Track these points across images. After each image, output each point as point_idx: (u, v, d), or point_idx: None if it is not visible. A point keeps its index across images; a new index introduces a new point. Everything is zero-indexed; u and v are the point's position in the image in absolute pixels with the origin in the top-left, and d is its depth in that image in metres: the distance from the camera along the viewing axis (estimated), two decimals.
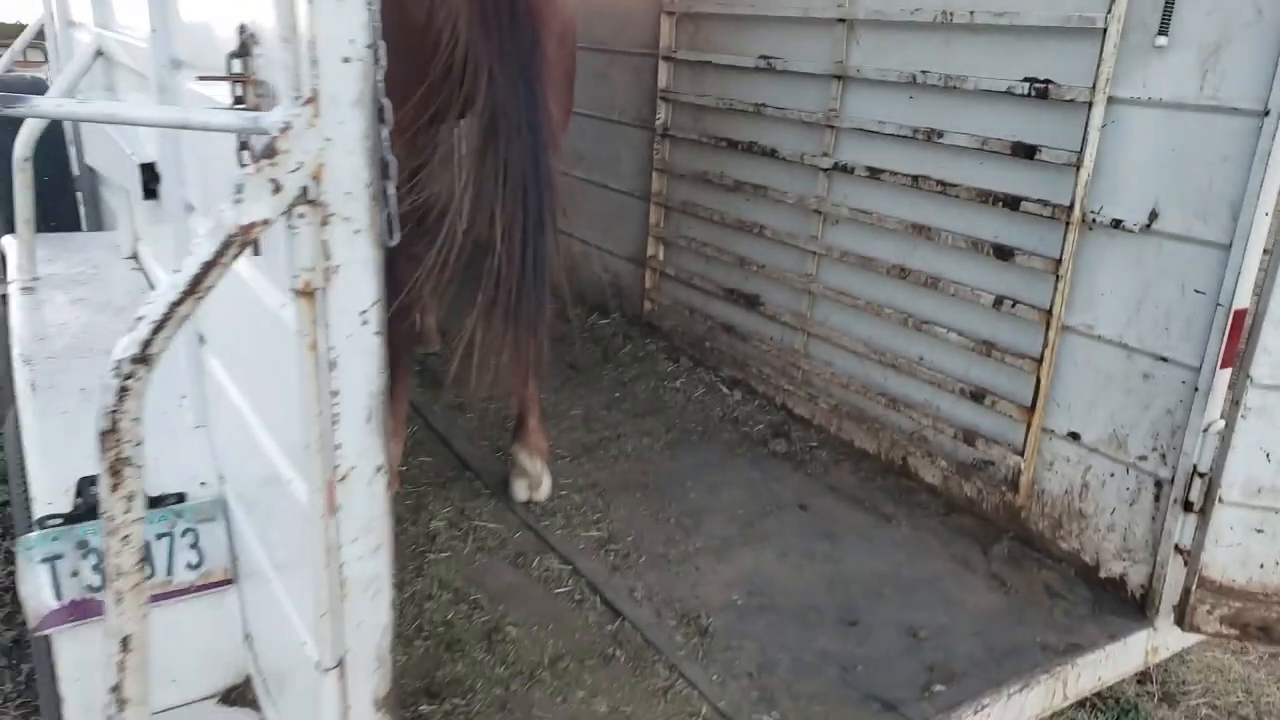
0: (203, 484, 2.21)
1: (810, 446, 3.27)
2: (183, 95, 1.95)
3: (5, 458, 3.11)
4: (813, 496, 2.98)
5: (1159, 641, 2.45)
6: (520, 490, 2.89)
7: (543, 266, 2.38)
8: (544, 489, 2.90)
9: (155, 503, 2.16)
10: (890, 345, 3.03)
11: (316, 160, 1.13)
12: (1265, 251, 2.14)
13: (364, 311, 1.20)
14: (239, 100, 1.41)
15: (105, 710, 1.24)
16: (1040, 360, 2.57)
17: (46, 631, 2.03)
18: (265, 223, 1.12)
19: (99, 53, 2.73)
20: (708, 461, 3.16)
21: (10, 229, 3.38)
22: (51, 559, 2.02)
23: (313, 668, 1.40)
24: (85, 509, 2.09)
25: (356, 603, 1.32)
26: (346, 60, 1.11)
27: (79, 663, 2.07)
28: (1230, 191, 2.13)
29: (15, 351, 2.37)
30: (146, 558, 2.08)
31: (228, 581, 2.17)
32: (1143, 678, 2.80)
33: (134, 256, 3.05)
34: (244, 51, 1.38)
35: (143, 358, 1.10)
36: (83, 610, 2.04)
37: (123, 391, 1.10)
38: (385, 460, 1.28)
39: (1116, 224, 2.36)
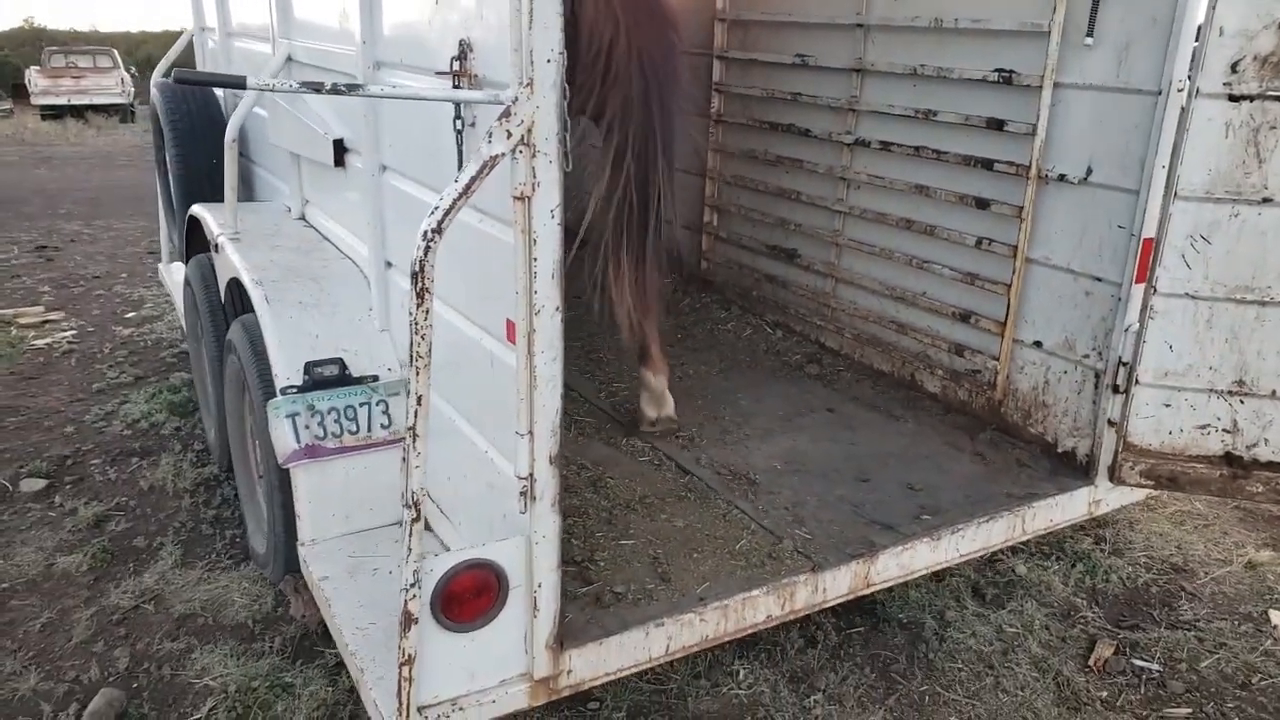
0: (389, 370, 3.06)
1: (837, 370, 4.05)
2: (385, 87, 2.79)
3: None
4: (838, 404, 3.77)
5: (1099, 496, 3.20)
6: (649, 408, 3.39)
7: (661, 215, 3.02)
8: (668, 406, 3.39)
9: (358, 381, 3.02)
10: (899, 283, 3.82)
11: (531, 119, 1.95)
12: (1164, 194, 2.89)
13: (552, 210, 2.02)
14: (456, 87, 2.25)
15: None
16: (1010, 286, 3.34)
17: (290, 465, 2.89)
18: (502, 155, 1.95)
19: (289, 58, 3.58)
20: (754, 381, 3.97)
21: (195, 199, 4.30)
22: (292, 415, 2.88)
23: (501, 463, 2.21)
24: (311, 383, 2.96)
25: (542, 390, 2.13)
26: (549, 61, 1.94)
27: (311, 487, 2.92)
28: (1139, 151, 2.89)
29: (247, 277, 3.23)
30: (354, 418, 2.98)
31: None
32: (1099, 537, 3.55)
33: (303, 218, 3.91)
34: (462, 56, 2.23)
35: (438, 229, 1.93)
36: (314, 451, 2.88)
37: (427, 249, 1.93)
38: (561, 301, 2.10)
39: (1063, 178, 3.13)
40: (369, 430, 2.96)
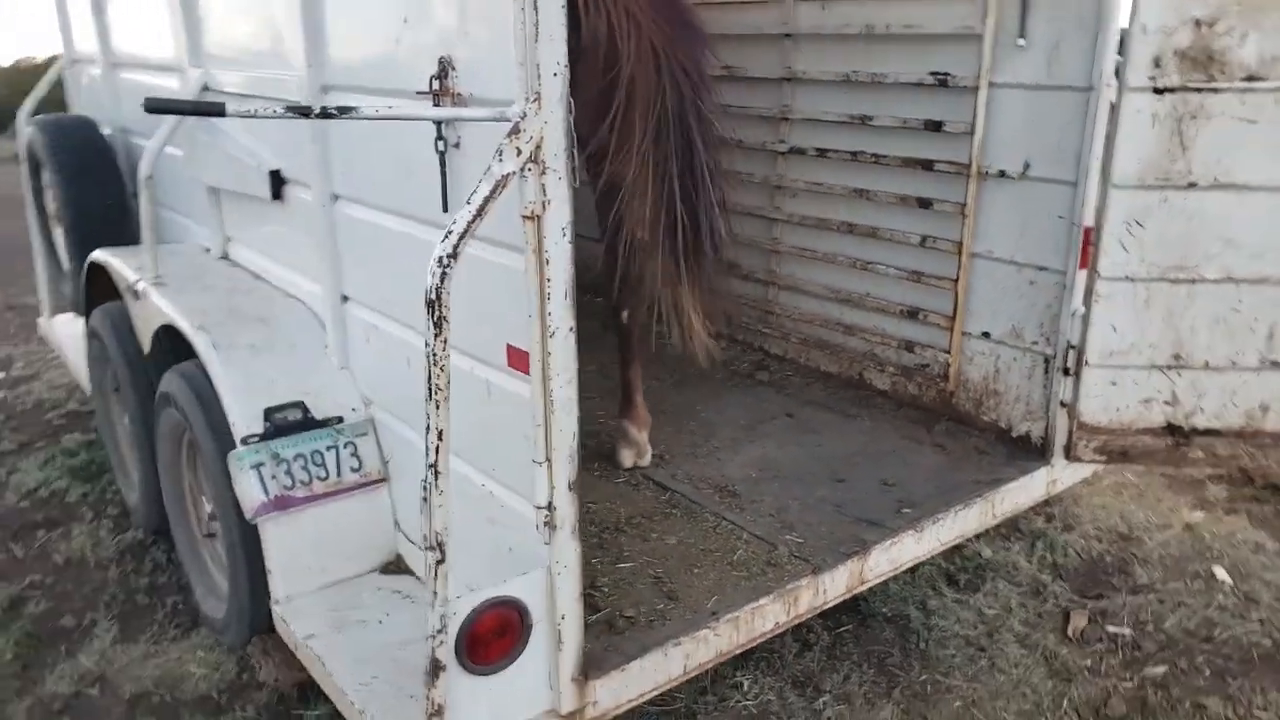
0: (354, 409, 2.92)
1: (786, 375, 4.10)
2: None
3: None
4: (795, 408, 3.81)
5: (1056, 475, 3.33)
6: (627, 458, 3.27)
7: (718, 233, 3.00)
8: (647, 456, 3.31)
9: (322, 423, 2.87)
10: (843, 285, 3.90)
11: (539, 134, 1.90)
12: (1101, 184, 3.06)
13: (563, 228, 1.97)
14: (437, 105, 2.17)
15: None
16: (956, 280, 3.45)
17: (259, 519, 2.72)
18: (513, 173, 1.89)
19: (205, 87, 3.39)
20: (709, 392, 3.97)
21: (90, 244, 4.01)
22: (257, 466, 2.71)
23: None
24: (273, 430, 2.79)
25: (559, 416, 2.07)
26: (555, 75, 1.89)
27: (282, 541, 2.75)
28: (1073, 145, 3.04)
29: (185, 323, 3.01)
30: (322, 464, 2.85)
31: (381, 480, 2.88)
32: (1050, 515, 3.70)
33: (225, 257, 3.71)
34: (443, 74, 2.15)
35: (454, 254, 1.85)
36: (283, 502, 2.72)
37: (443, 276, 1.84)
38: (573, 324, 2.04)
39: (1002, 174, 3.26)
40: (339, 475, 2.82)
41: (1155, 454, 3.39)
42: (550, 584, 2.17)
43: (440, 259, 1.85)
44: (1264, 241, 3.26)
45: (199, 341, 2.94)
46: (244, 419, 2.77)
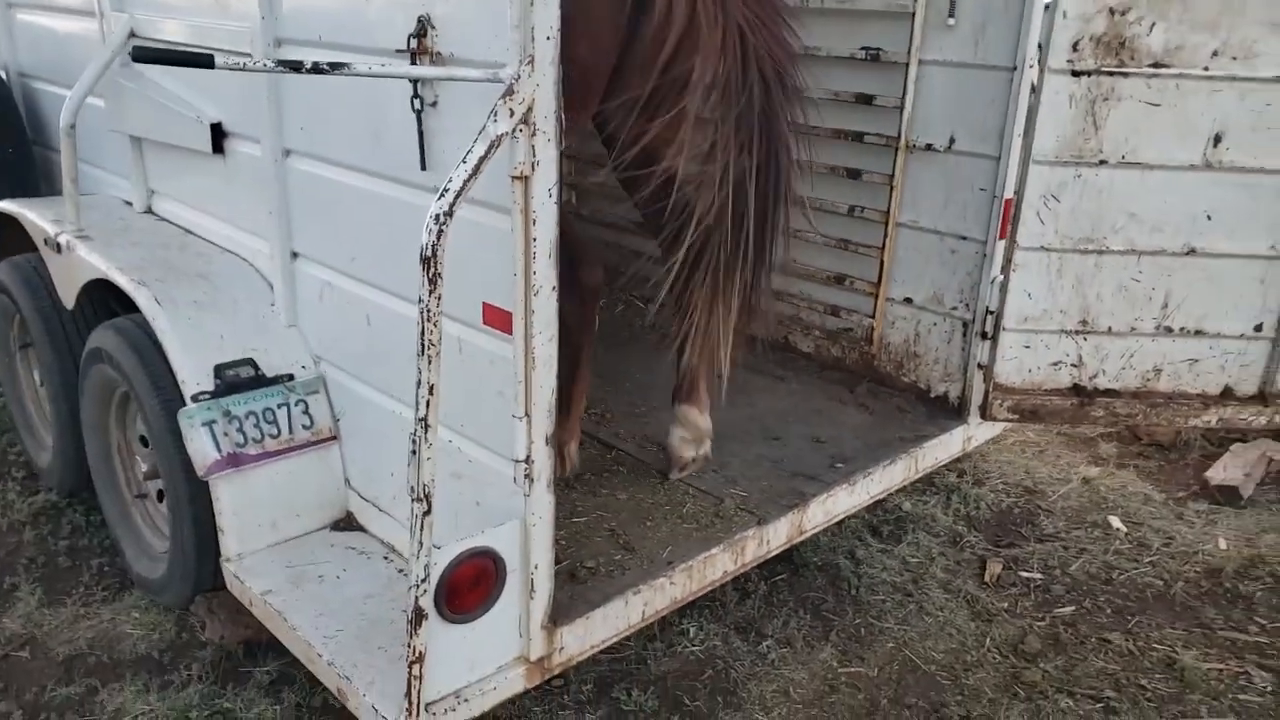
0: (304, 367, 2.90)
1: None
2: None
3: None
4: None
5: (972, 433, 3.57)
6: (686, 449, 3.02)
7: (775, 245, 2.78)
8: (707, 444, 3.07)
9: (274, 381, 2.84)
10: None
11: (532, 96, 1.94)
12: (1021, 160, 3.27)
13: (550, 189, 2.02)
14: (414, 64, 2.18)
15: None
16: (882, 248, 3.63)
17: (211, 476, 2.68)
18: (507, 133, 1.92)
19: (132, 33, 3.25)
20: (641, 356, 4.06)
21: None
22: (209, 423, 2.68)
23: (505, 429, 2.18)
24: (224, 387, 2.76)
25: (540, 372, 2.13)
26: (548, 38, 1.93)
27: (235, 498, 2.72)
28: (996, 121, 3.24)
29: (123, 278, 2.92)
30: (274, 421, 2.84)
31: (333, 438, 2.88)
32: (961, 471, 3.96)
33: (149, 211, 3.58)
34: (422, 32, 2.16)
35: (449, 212, 1.88)
36: (236, 460, 2.70)
37: (439, 234, 1.87)
38: (556, 282, 2.10)
39: (929, 147, 3.44)
40: (291, 432, 2.80)
41: (1062, 413, 3.66)
42: (525, 535, 2.24)
43: (437, 216, 1.87)
44: (1162, 216, 3.55)
45: (140, 296, 2.85)
46: (194, 376, 2.72)
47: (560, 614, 2.40)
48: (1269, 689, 2.90)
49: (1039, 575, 3.40)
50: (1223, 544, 3.60)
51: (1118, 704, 2.81)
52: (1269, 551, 3.55)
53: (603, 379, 3.77)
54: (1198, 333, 3.76)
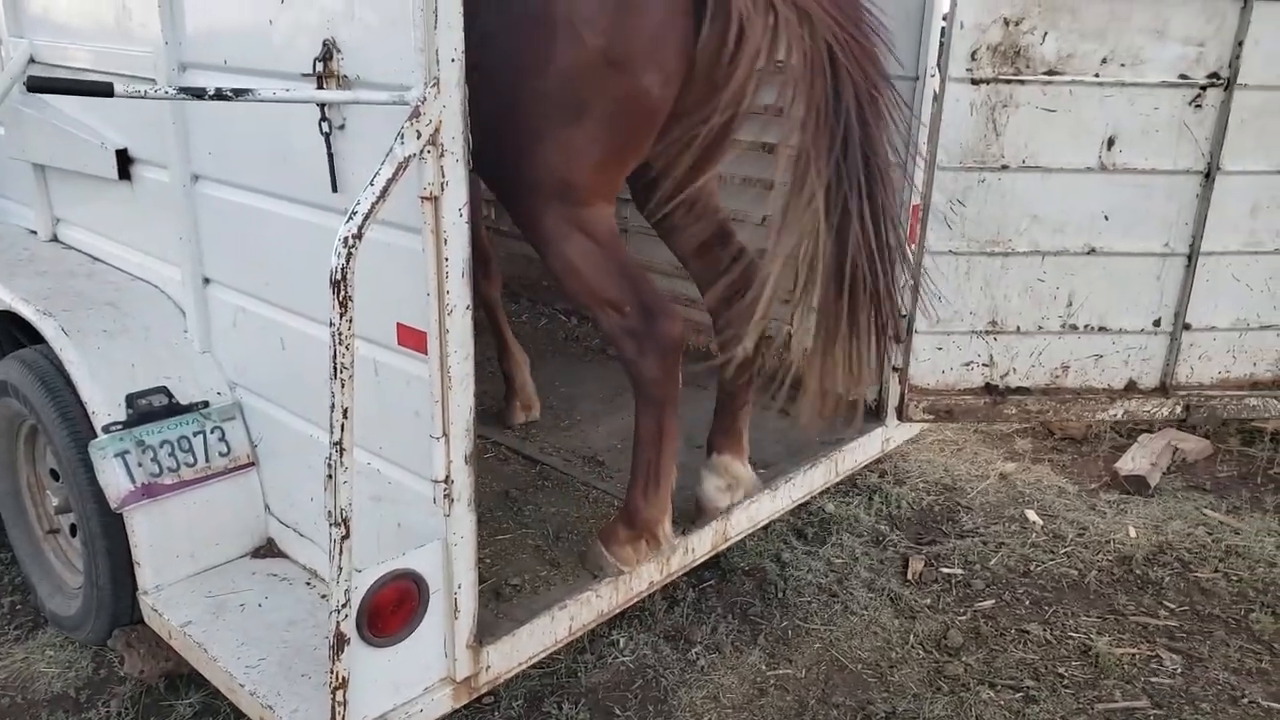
0: (219, 394, 2.85)
1: None
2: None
3: None
4: None
5: (890, 434, 3.65)
6: (723, 496, 2.90)
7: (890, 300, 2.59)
8: (742, 493, 2.94)
9: (188, 409, 2.79)
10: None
11: (439, 118, 1.95)
12: (927, 166, 3.36)
13: (460, 209, 2.03)
14: (320, 88, 2.17)
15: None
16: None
17: (125, 508, 2.63)
18: (414, 155, 1.93)
19: (32, 59, 3.18)
20: (564, 368, 4.08)
21: None
22: (121, 454, 2.62)
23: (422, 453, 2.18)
24: (137, 416, 2.70)
25: (456, 391, 2.14)
26: (453, 60, 1.94)
27: (151, 530, 2.67)
28: (902, 129, 3.32)
29: (27, 308, 2.85)
30: (189, 449, 2.80)
31: (251, 465, 2.84)
32: (883, 472, 4.05)
33: (55, 239, 3.49)
34: (328, 56, 2.15)
35: (358, 235, 1.87)
36: (151, 490, 2.65)
37: (348, 256, 1.87)
38: (471, 301, 2.11)
39: None
40: (208, 460, 2.76)
41: (975, 412, 3.77)
42: (447, 555, 2.23)
43: (345, 239, 1.87)
44: (1063, 217, 3.68)
45: (47, 326, 2.79)
46: (104, 406, 2.66)
47: (486, 632, 2.40)
48: (1178, 670, 3.02)
49: (960, 571, 3.50)
50: (1133, 532, 3.74)
51: (1036, 692, 2.90)
52: (1175, 538, 3.70)
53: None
54: (1101, 329, 3.90)
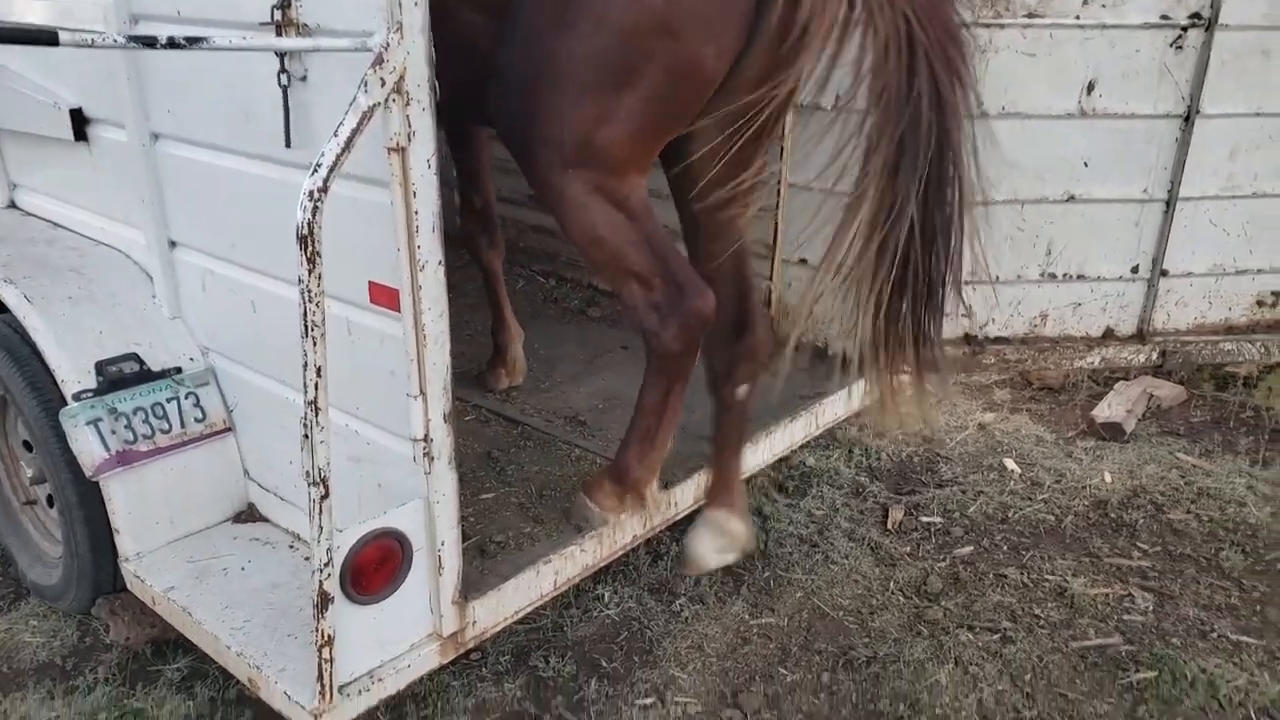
0: (191, 359, 2.82)
1: (616, 310, 4.24)
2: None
3: None
4: (629, 340, 3.95)
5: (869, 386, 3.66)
6: (713, 557, 2.70)
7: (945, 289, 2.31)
8: (737, 554, 2.73)
9: (160, 375, 2.75)
10: (668, 220, 4.04)
11: (403, 65, 1.90)
12: None
13: (428, 159, 1.99)
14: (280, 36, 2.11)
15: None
16: (776, 209, 3.68)
17: (101, 476, 2.60)
18: (379, 104, 1.89)
19: None
20: (544, 330, 4.05)
21: None
22: (94, 422, 2.58)
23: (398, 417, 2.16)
24: (107, 384, 2.66)
25: (431, 349, 2.11)
26: (416, 4, 1.89)
27: (128, 497, 2.64)
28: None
29: None
30: (163, 416, 2.77)
31: (227, 430, 2.81)
32: (862, 425, 4.06)
33: (12, 205, 3.42)
34: (286, 4, 2.10)
35: (324, 188, 1.84)
36: (126, 457, 2.62)
37: (314, 210, 1.83)
38: (442, 257, 2.08)
39: (817, 107, 3.49)
40: (183, 426, 2.73)
41: (956, 362, 3.79)
42: (429, 513, 2.22)
43: (311, 193, 1.83)
44: (1042, 165, 3.69)
45: (9, 295, 2.74)
46: (73, 374, 2.62)
47: (471, 588, 2.40)
48: (1150, 608, 3.07)
49: (939, 519, 3.53)
50: (1108, 478, 3.78)
51: (1014, 633, 2.94)
52: (1149, 482, 3.74)
53: None
54: (1080, 277, 3.93)
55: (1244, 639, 2.94)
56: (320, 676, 2.07)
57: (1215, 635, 2.95)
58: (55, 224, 3.21)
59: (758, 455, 3.20)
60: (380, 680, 2.22)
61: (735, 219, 2.63)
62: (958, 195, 2.28)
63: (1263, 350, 4.03)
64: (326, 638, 2.05)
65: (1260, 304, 4.09)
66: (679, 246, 2.57)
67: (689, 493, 2.97)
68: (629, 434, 2.66)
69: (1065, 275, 3.93)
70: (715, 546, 2.71)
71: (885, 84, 2.14)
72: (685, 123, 2.30)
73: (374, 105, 1.87)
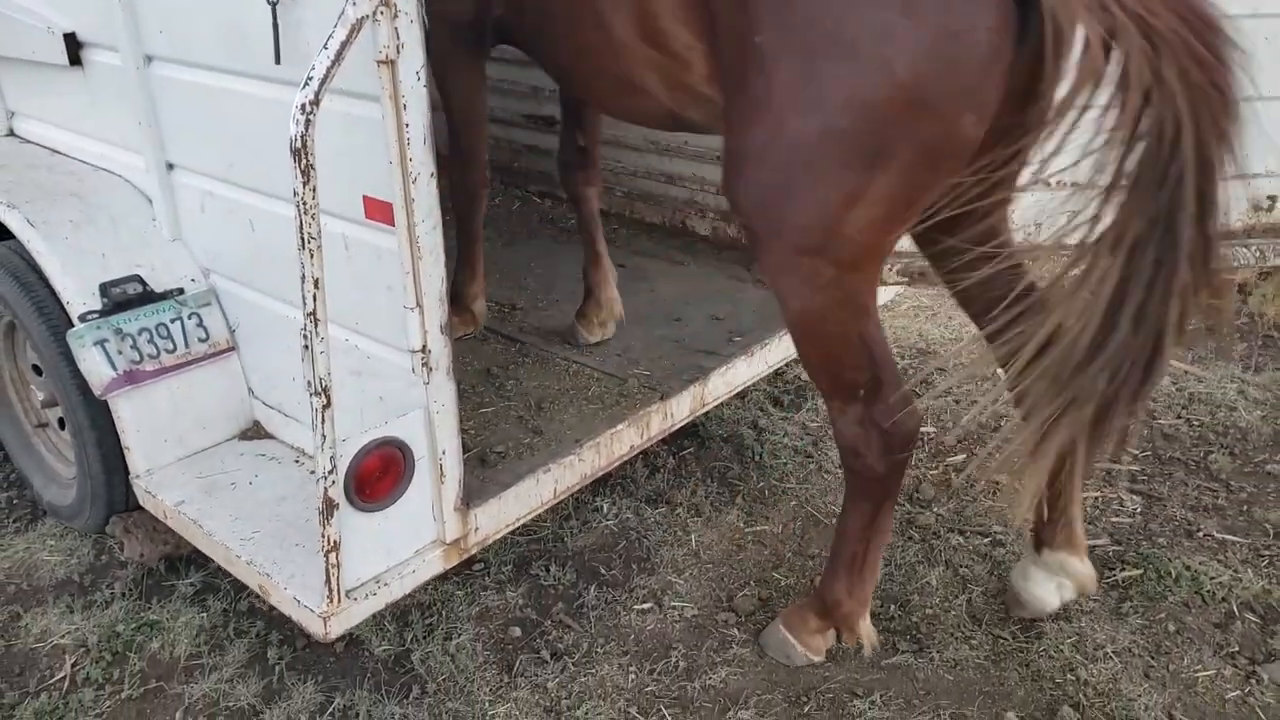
0: (192, 280, 2.86)
1: (612, 227, 4.23)
2: None
3: None
4: (625, 258, 3.95)
5: None
6: (1055, 598, 2.56)
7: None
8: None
9: (163, 296, 2.80)
10: (661, 137, 4.05)
11: None
12: None
13: (418, 71, 2.01)
14: None
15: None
16: None
17: (110, 395, 2.66)
18: (367, 16, 1.90)
19: None
20: (540, 250, 4.09)
21: None
22: (100, 342, 2.64)
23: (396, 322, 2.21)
24: (112, 305, 2.71)
25: (426, 261, 2.16)
26: None
27: (137, 416, 2.71)
28: None
29: None
30: (168, 336, 2.82)
31: (231, 349, 2.87)
32: None
33: (11, 133, 3.43)
34: None
35: (315, 101, 1.86)
36: (134, 377, 2.68)
37: (307, 123, 1.86)
38: (436, 167, 2.11)
39: None
40: (187, 346, 2.78)
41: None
42: (430, 422, 2.29)
43: (303, 106, 1.86)
44: None
45: (12, 219, 2.77)
46: (78, 296, 2.67)
47: (473, 496, 2.48)
48: (1138, 510, 3.15)
49: (932, 429, 3.60)
50: None
51: (1003, 536, 3.03)
52: None
53: (503, 274, 3.80)
54: (1073, 184, 3.91)
55: (1229, 538, 3.02)
56: (328, 580, 2.16)
57: (1201, 534, 3.04)
58: (54, 150, 3.22)
59: (752, 368, 3.26)
60: (386, 585, 2.32)
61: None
62: (1211, 255, 1.98)
63: (1258, 255, 4.03)
64: (333, 543, 2.13)
65: (1257, 208, 4.08)
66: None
67: (685, 404, 3.03)
68: (833, 562, 2.52)
69: (1059, 183, 3.93)
70: (1055, 587, 2.58)
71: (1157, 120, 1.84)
72: (932, 197, 2.03)
73: (363, 18, 1.89)
